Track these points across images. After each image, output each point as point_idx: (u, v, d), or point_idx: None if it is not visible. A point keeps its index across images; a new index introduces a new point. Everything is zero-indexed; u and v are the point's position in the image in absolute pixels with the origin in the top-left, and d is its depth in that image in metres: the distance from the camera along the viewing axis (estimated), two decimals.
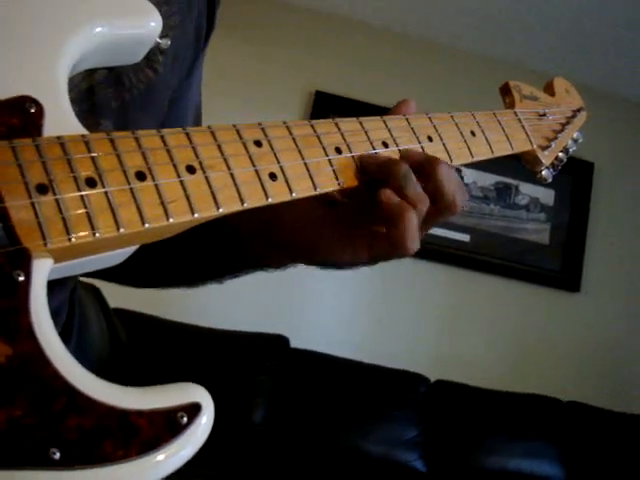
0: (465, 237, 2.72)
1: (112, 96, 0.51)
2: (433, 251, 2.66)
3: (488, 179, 2.76)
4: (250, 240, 0.59)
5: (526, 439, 2.32)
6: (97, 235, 0.37)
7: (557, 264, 2.78)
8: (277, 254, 0.59)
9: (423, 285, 2.71)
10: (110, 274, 0.66)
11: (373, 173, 0.52)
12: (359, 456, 2.19)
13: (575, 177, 2.80)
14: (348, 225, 0.55)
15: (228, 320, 2.37)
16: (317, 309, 2.66)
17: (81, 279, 0.62)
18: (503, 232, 2.77)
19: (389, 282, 2.64)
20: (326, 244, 0.55)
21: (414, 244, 0.50)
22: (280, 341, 2.39)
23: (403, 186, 0.50)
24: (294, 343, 2.42)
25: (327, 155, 0.50)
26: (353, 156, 0.52)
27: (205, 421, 0.36)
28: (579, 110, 0.77)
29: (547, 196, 2.80)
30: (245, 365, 2.30)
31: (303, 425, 2.23)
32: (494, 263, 2.73)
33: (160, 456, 0.34)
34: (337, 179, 0.50)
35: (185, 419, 0.35)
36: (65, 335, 0.60)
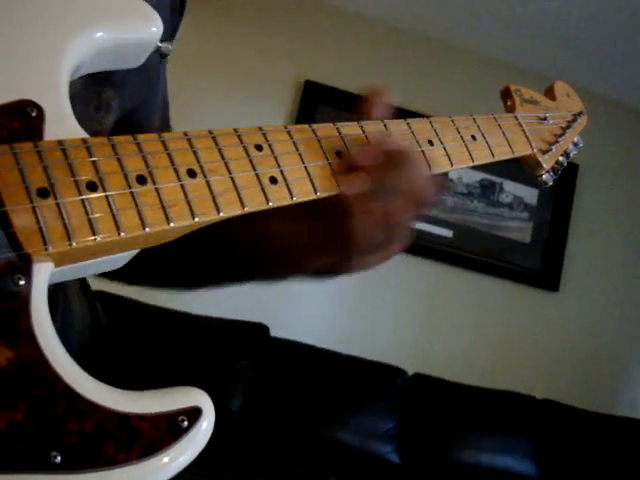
0: (448, 233, 2.74)
1: None
2: (415, 245, 2.67)
3: (473, 176, 2.78)
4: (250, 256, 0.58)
5: (500, 435, 2.36)
6: (98, 239, 0.37)
7: (537, 263, 2.81)
8: (274, 267, 0.58)
9: (404, 279, 2.73)
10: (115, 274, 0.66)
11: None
12: (335, 446, 2.21)
13: (559, 178, 2.80)
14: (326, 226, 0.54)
15: (209, 306, 2.37)
16: (298, 299, 2.66)
17: None
18: (486, 229, 2.79)
19: (371, 274, 2.62)
20: (304, 249, 0.55)
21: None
22: (260, 329, 2.40)
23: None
24: (274, 332, 2.43)
25: (328, 159, 0.50)
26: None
27: (206, 426, 0.36)
28: (580, 114, 0.78)
29: (531, 195, 2.83)
30: (224, 352, 2.30)
31: (280, 414, 2.24)
32: (476, 259, 2.75)
33: (161, 460, 0.34)
34: (338, 183, 0.50)
35: (186, 423, 0.35)
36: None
